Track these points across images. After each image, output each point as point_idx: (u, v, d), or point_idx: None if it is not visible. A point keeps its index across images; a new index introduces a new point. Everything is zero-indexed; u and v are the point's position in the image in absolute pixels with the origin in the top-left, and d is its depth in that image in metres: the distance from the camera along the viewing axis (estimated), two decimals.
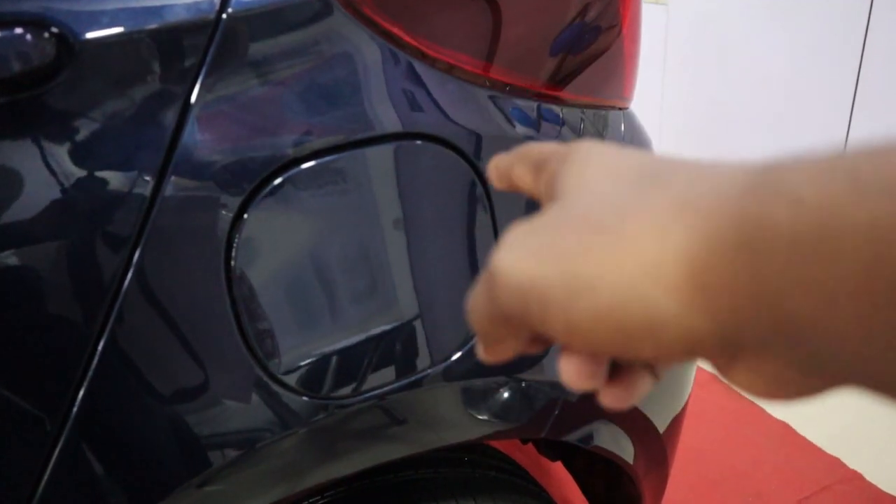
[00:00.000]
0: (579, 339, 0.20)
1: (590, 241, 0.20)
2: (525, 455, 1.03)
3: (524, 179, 0.30)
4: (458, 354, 0.59)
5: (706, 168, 0.20)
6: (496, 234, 0.59)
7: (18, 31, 0.40)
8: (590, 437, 0.71)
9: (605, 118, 0.72)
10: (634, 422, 0.75)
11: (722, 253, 0.17)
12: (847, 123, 2.07)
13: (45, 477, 0.46)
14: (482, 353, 0.27)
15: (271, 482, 0.55)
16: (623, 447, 0.76)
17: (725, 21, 2.41)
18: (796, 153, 0.18)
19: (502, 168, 0.32)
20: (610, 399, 0.24)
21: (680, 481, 1.52)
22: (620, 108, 0.73)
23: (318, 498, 0.65)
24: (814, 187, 0.16)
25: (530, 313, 0.21)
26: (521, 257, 0.22)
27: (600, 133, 0.70)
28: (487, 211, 0.58)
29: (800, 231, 0.15)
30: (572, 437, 0.70)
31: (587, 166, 0.24)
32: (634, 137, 0.75)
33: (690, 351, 0.19)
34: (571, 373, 0.22)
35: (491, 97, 0.59)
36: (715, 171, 0.19)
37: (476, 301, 0.25)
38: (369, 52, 0.52)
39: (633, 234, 0.19)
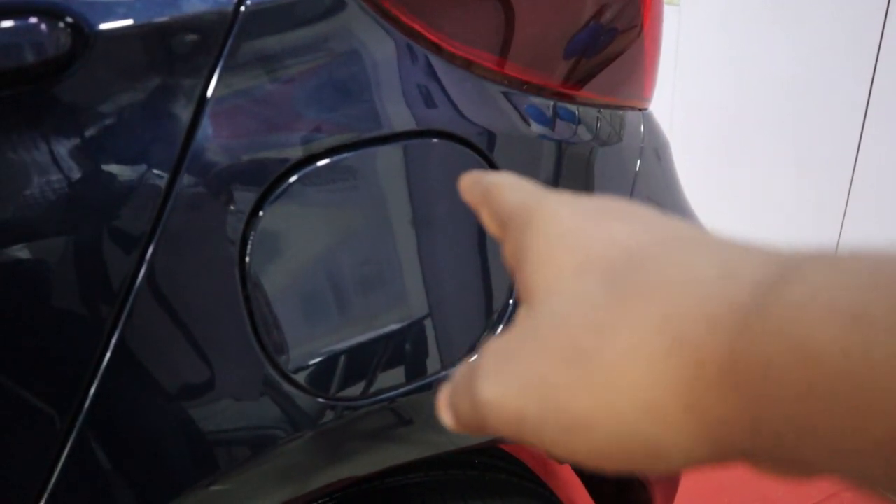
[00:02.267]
0: (581, 462, 0.19)
1: (573, 375, 0.18)
2: (532, 457, 1.02)
3: (490, 226, 0.28)
4: (469, 358, 0.58)
5: (682, 267, 0.18)
6: None
7: (33, 20, 0.39)
8: None
9: (622, 118, 0.70)
10: None
11: (719, 393, 0.16)
12: (860, 127, 2.05)
13: (56, 473, 0.46)
14: (453, 428, 0.25)
15: (279, 483, 0.54)
16: None
17: (738, 23, 2.39)
18: (789, 258, 0.16)
19: (468, 198, 0.29)
20: None
21: (684, 485, 1.51)
22: (640, 109, 0.72)
23: (326, 499, 0.64)
24: (830, 330, 0.14)
25: (524, 439, 0.20)
26: (504, 391, 0.20)
27: (617, 133, 0.69)
28: None
29: (814, 383, 0.14)
30: None
31: (553, 252, 0.22)
32: (653, 138, 0.74)
33: (693, 466, 0.18)
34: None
35: (506, 94, 0.59)
36: (694, 274, 0.17)
37: (461, 409, 0.23)
38: (387, 47, 0.51)
39: (619, 367, 0.18)
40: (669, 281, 0.18)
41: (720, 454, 0.17)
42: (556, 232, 0.22)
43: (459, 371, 0.24)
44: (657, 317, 0.17)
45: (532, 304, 0.22)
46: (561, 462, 0.22)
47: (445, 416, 0.25)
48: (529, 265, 0.22)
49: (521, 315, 0.22)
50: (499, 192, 0.27)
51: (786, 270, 0.16)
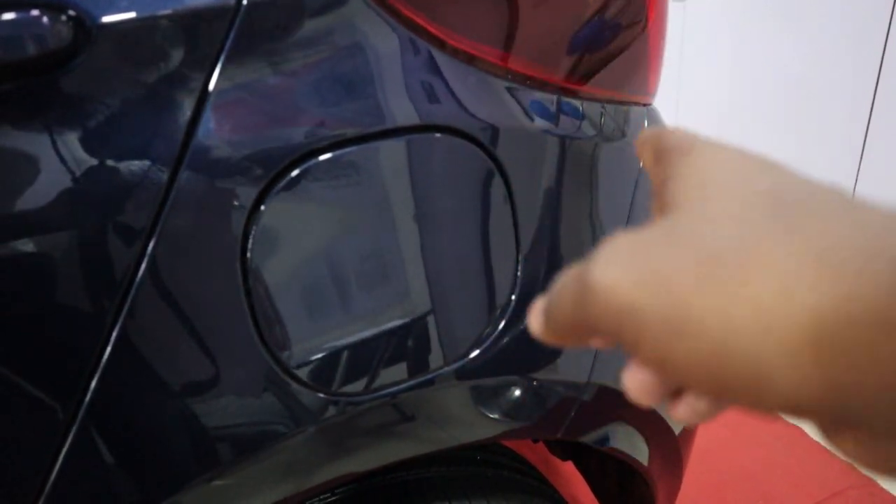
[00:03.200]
0: (669, 373, 0.19)
1: (704, 275, 0.18)
2: (535, 454, 1.02)
3: (647, 164, 0.28)
4: (471, 354, 0.58)
5: (850, 212, 0.17)
6: (516, 228, 0.58)
7: (35, 13, 0.39)
8: (605, 438, 0.70)
9: (626, 113, 0.70)
10: (651, 424, 0.74)
11: (857, 328, 0.15)
12: (866, 123, 2.04)
13: (58, 465, 0.46)
14: (542, 335, 0.25)
15: (280, 478, 0.54)
16: (638, 449, 0.74)
17: (743, 19, 2.38)
18: None
19: (639, 147, 0.30)
20: (675, 414, 0.22)
21: (688, 481, 1.51)
22: (644, 104, 0.72)
23: (329, 495, 0.64)
24: None
25: (622, 336, 0.20)
26: (622, 277, 0.19)
27: (621, 128, 0.69)
28: (508, 204, 0.57)
29: None
30: (588, 439, 0.69)
31: (712, 177, 0.22)
32: None
33: (790, 410, 0.17)
34: (637, 387, 0.21)
35: (510, 89, 0.58)
36: (861, 219, 0.17)
37: (561, 304, 0.23)
38: (390, 41, 0.51)
39: (756, 279, 0.17)
40: (834, 226, 0.17)
41: (826, 404, 0.16)
42: (720, 158, 0.23)
43: (565, 274, 0.24)
44: (817, 249, 0.17)
45: (679, 210, 0.21)
46: (645, 362, 0.22)
47: (535, 321, 0.25)
48: (686, 180, 0.22)
49: (657, 221, 0.21)
50: (666, 133, 0.28)
51: None
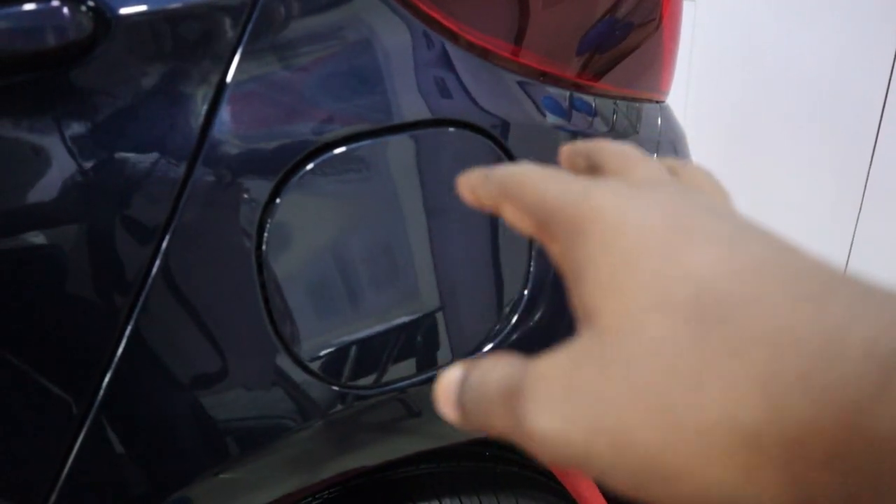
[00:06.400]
0: (651, 502, 0.18)
1: (660, 427, 0.17)
2: None
3: (520, 225, 0.24)
4: (484, 348, 0.58)
5: (776, 317, 0.16)
6: None
7: (55, 3, 0.39)
8: None
9: (639, 110, 0.70)
10: None
11: (823, 467, 0.15)
12: (877, 124, 2.03)
13: (71, 457, 0.46)
14: (459, 424, 0.22)
15: (289, 472, 0.54)
16: None
17: (754, 19, 2.36)
18: None
19: (480, 194, 0.25)
20: None
21: None
22: (657, 102, 0.71)
23: (338, 487, 0.64)
24: None
25: (585, 473, 0.18)
26: (568, 427, 0.18)
27: (633, 126, 0.69)
28: None
29: None
30: None
31: (620, 277, 0.19)
32: (670, 131, 0.73)
33: None
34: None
35: (522, 84, 0.58)
36: (791, 328, 0.16)
37: (484, 415, 0.21)
38: (405, 34, 0.51)
39: (717, 431, 0.16)
40: (764, 336, 0.16)
41: None
42: (621, 247, 0.19)
43: (478, 371, 0.22)
44: (754, 378, 0.16)
45: (596, 330, 0.19)
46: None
47: (448, 409, 0.22)
48: (590, 285, 0.19)
49: (584, 340, 0.19)
50: (526, 184, 0.23)
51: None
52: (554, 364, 0.19)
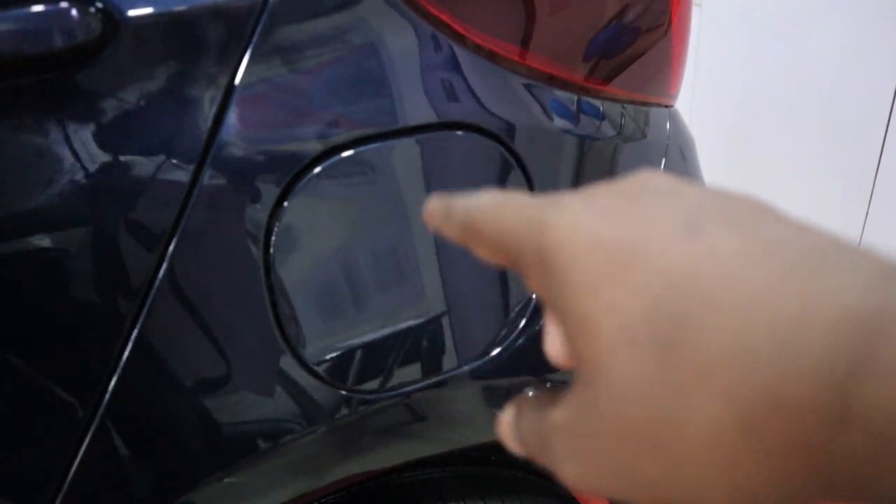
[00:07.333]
0: None
1: (658, 466, 0.18)
2: None
3: (492, 259, 0.23)
4: (491, 353, 0.57)
5: (730, 334, 0.16)
6: None
7: (64, 5, 0.39)
8: None
9: (647, 115, 0.70)
10: None
11: (805, 479, 0.16)
12: (885, 126, 2.02)
13: (77, 461, 0.46)
14: (512, 446, 0.24)
15: (293, 477, 0.54)
16: None
17: (759, 22, 2.36)
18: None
19: (448, 235, 0.25)
20: None
21: None
22: (666, 106, 0.71)
23: (343, 492, 0.64)
24: None
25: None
26: (587, 474, 0.20)
27: (641, 129, 0.69)
28: None
29: None
30: None
31: (587, 314, 0.18)
32: (678, 136, 0.73)
33: None
34: None
35: (530, 87, 0.58)
36: (746, 346, 0.16)
37: (529, 447, 0.23)
38: (414, 37, 0.51)
39: (706, 461, 0.17)
40: (720, 357, 0.16)
41: None
42: (578, 279, 0.19)
43: (522, 417, 0.24)
44: (721, 404, 0.16)
45: (583, 370, 0.19)
46: None
47: (520, 452, 0.24)
48: (567, 323, 0.20)
49: (578, 386, 0.20)
50: (484, 220, 0.22)
51: (865, 341, 0.14)
52: (564, 411, 0.20)
